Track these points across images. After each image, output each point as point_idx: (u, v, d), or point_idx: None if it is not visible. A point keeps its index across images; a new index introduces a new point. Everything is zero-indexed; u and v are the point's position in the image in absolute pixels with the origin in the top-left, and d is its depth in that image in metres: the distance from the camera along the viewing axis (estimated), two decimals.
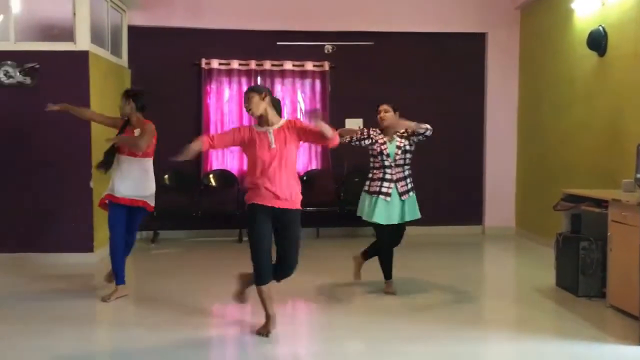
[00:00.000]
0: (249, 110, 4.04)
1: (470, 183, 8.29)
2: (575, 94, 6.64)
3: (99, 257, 6.27)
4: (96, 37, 6.46)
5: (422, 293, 5.25)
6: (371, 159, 5.08)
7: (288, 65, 7.90)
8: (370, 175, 5.07)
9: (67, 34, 6.20)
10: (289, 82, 7.99)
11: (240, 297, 4.41)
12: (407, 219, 5.05)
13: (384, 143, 4.99)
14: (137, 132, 4.84)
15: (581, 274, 4.92)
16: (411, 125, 4.92)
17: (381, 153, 4.98)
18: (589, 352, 3.86)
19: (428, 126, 4.93)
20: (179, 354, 3.84)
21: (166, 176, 7.71)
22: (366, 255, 5.32)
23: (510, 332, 4.33)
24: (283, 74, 7.93)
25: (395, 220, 4.99)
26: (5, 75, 6.12)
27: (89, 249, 6.26)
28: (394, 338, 4.11)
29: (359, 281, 5.32)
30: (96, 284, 5.28)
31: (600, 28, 6.00)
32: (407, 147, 5.00)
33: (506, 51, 8.13)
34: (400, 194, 4.98)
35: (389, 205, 4.96)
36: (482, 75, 8.22)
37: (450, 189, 8.19)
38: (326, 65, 7.96)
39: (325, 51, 8.00)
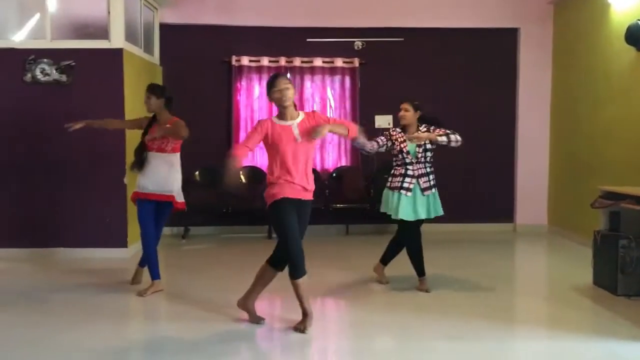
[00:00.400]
0: (280, 97, 3.99)
1: (501, 180, 8.20)
2: (612, 89, 6.50)
3: (132, 252, 6.35)
4: (130, 34, 6.54)
5: (453, 290, 5.20)
6: (393, 158, 5.07)
7: (318, 61, 7.89)
8: (392, 171, 5.07)
9: (102, 32, 6.29)
10: (319, 78, 7.99)
11: (256, 318, 4.30)
12: (432, 215, 5.03)
13: (404, 141, 4.98)
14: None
15: (620, 273, 4.83)
16: (431, 137, 4.86)
17: (401, 151, 4.97)
18: (628, 351, 3.80)
19: (453, 138, 4.84)
20: (211, 348, 3.86)
21: (196, 173, 7.78)
22: (385, 261, 5.33)
23: (545, 330, 4.27)
24: (313, 70, 7.93)
25: (423, 215, 4.98)
26: (41, 72, 6.22)
27: (123, 244, 6.34)
28: (424, 335, 4.08)
29: (388, 283, 5.33)
30: (129, 278, 5.33)
31: (639, 22, 5.87)
32: (428, 146, 4.97)
33: (539, 46, 8.01)
34: (423, 190, 4.96)
35: (413, 201, 4.94)
36: (515, 71, 8.12)
37: (481, 186, 8.12)
38: (356, 62, 7.93)
39: (355, 47, 7.98)
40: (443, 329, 4.19)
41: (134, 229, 6.40)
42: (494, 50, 8.09)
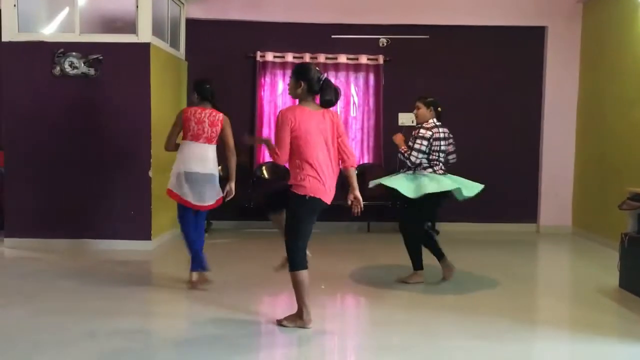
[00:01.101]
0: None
1: (525, 180, 8.11)
2: None
3: (156, 244, 6.42)
4: (157, 29, 6.60)
5: (476, 290, 5.16)
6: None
7: (342, 58, 7.89)
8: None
9: (130, 26, 6.35)
10: (343, 75, 7.99)
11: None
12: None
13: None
14: None
15: None
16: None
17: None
18: None
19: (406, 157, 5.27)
20: (232, 342, 3.89)
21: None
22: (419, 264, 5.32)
23: (569, 332, 4.22)
24: (337, 67, 7.92)
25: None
26: (70, 66, 6.31)
27: (147, 236, 6.41)
28: (445, 335, 4.06)
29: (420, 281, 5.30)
30: (153, 271, 5.39)
31: None
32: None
33: (567, 45, 7.90)
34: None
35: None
36: (541, 70, 8.02)
37: (505, 186, 8.02)
38: (380, 59, 7.91)
39: (380, 44, 7.95)
40: (465, 328, 4.16)
41: (157, 221, 6.48)
42: (521, 48, 8.00)
